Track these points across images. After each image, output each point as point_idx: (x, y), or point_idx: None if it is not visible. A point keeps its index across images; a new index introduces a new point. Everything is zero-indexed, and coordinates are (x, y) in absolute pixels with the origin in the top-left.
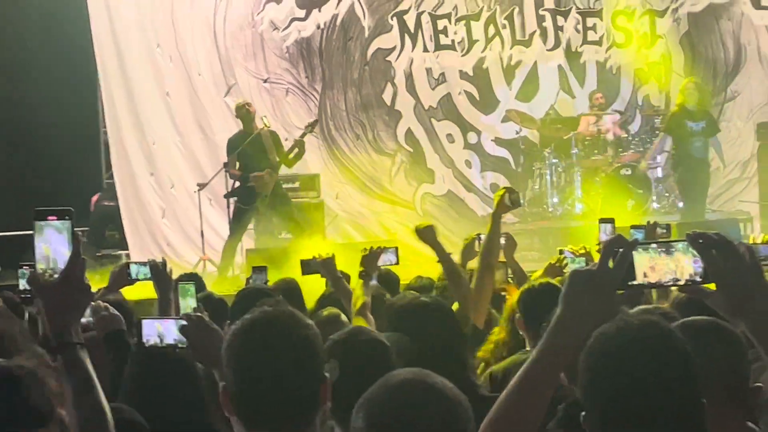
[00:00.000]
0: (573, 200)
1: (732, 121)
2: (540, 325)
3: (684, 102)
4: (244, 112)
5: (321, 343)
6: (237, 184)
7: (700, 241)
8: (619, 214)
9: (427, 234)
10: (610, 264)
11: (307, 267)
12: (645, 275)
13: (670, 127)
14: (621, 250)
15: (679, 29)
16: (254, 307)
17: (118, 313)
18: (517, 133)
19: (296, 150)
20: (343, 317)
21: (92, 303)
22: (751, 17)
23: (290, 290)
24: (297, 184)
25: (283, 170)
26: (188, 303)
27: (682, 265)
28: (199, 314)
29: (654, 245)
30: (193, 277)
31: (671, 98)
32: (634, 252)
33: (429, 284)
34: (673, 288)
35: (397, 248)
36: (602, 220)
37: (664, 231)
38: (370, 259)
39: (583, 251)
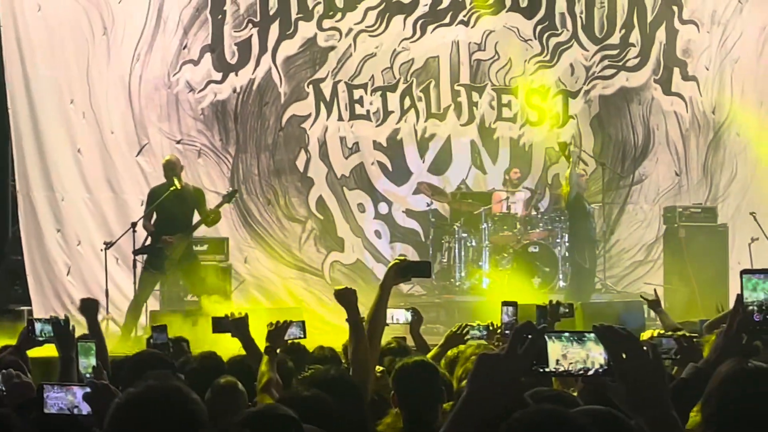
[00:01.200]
0: (480, 275)
1: (639, 204)
2: (412, 402)
3: (570, 188)
4: (171, 167)
5: (206, 418)
6: (149, 239)
7: (606, 334)
8: (525, 291)
9: (345, 296)
10: (520, 349)
11: (219, 325)
12: (558, 362)
13: (569, 206)
14: (529, 336)
15: (591, 111)
16: (140, 380)
17: (29, 380)
18: (428, 205)
19: (212, 216)
20: (240, 386)
21: (3, 371)
22: (661, 102)
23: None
24: (205, 247)
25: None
26: (90, 361)
27: (593, 355)
28: (104, 382)
29: (566, 333)
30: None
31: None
32: (547, 338)
33: (331, 355)
34: None
35: (303, 322)
36: (505, 303)
37: (566, 311)
38: (276, 333)
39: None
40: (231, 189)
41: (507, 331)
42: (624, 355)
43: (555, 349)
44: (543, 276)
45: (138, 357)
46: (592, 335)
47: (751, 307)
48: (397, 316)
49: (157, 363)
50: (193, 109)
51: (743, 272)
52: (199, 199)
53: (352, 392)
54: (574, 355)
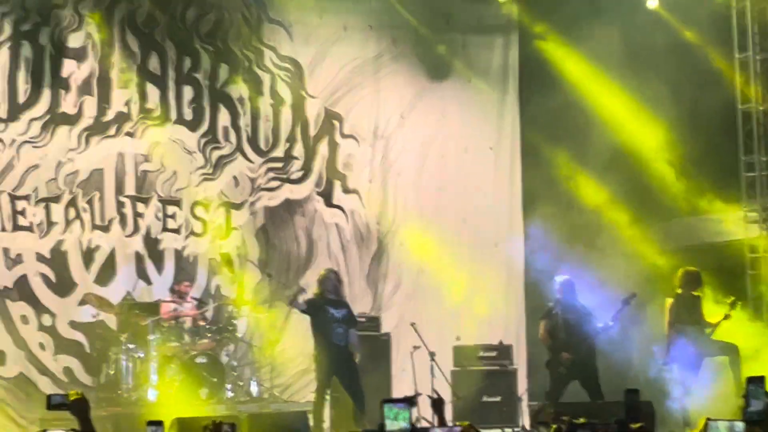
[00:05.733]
0: (147, 386)
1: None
2: None
3: (321, 291)
4: None
5: None
6: None
7: None
8: (192, 402)
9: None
10: None
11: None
12: None
13: (309, 309)
14: None
15: (256, 222)
16: None
17: None
18: (94, 317)
19: None
20: None
21: None
22: (323, 214)
23: None
24: None
25: None
26: None
27: None
28: None
29: None
30: None
31: (243, 288)
32: None
33: None
34: None
35: None
36: (150, 423)
37: (229, 431)
38: None
39: None
40: None
41: None
42: None
43: None
44: (211, 386)
45: None
46: None
47: None
48: None
49: None
50: None
51: (384, 401)
52: None
53: None
54: None
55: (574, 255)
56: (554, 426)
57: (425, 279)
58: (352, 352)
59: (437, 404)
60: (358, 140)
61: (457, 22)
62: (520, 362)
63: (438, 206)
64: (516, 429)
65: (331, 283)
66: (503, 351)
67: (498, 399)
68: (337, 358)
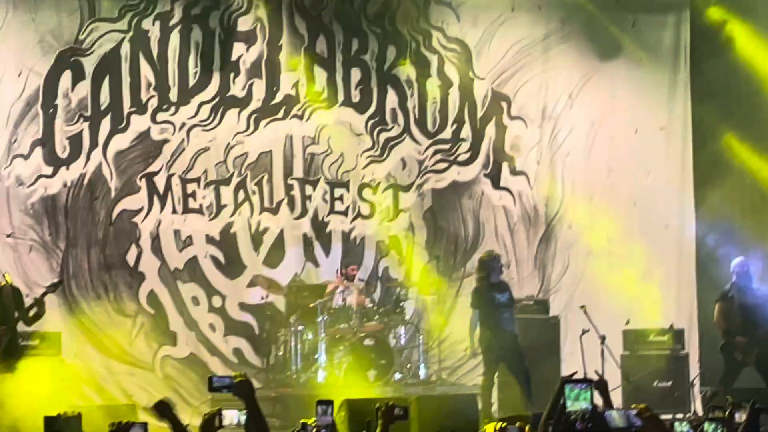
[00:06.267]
0: (316, 368)
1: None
2: None
3: (486, 275)
4: None
5: None
6: None
7: None
8: (360, 385)
9: (161, 409)
10: None
11: (50, 426)
12: None
13: (476, 301)
14: None
15: (423, 204)
16: None
17: None
18: (263, 299)
19: (35, 309)
20: None
21: None
22: (491, 197)
23: None
24: (36, 342)
25: (22, 327)
26: None
27: None
28: None
29: None
30: None
31: (411, 270)
32: None
33: None
34: None
35: (146, 424)
36: (320, 402)
37: (401, 413)
38: None
39: None
40: (55, 280)
41: (323, 430)
42: None
43: None
44: (379, 369)
45: None
46: None
47: (573, 416)
48: (231, 417)
49: None
50: (23, 203)
51: (565, 382)
52: (17, 298)
53: None
54: None
55: (747, 236)
56: (728, 411)
57: (594, 261)
58: (517, 335)
59: (601, 386)
60: (525, 121)
61: (628, 0)
62: (692, 346)
63: (607, 188)
64: (688, 414)
65: (494, 266)
66: (675, 335)
67: (669, 384)
68: (505, 343)
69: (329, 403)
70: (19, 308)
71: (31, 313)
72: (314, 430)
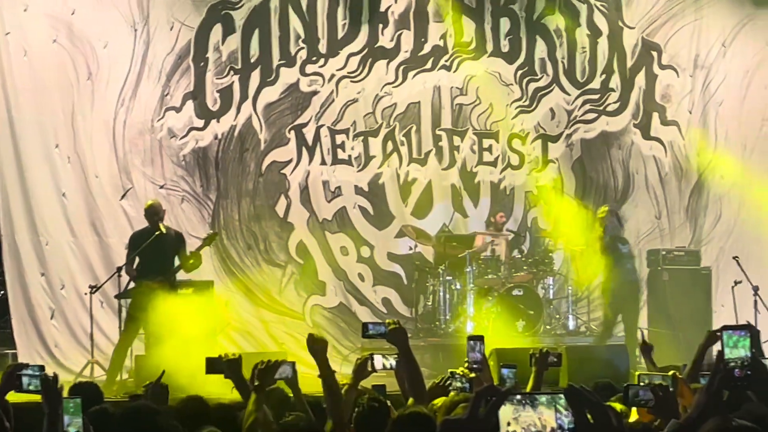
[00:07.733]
0: (465, 318)
1: None
2: None
3: (611, 225)
4: (154, 212)
5: None
6: (131, 284)
7: (576, 398)
8: (509, 335)
9: (317, 346)
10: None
11: (212, 366)
12: (509, 424)
13: (604, 251)
14: (493, 399)
15: (572, 154)
16: None
17: (9, 428)
18: (411, 249)
19: (192, 261)
20: None
21: None
22: (641, 147)
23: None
24: (190, 291)
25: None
26: (74, 420)
27: (545, 418)
28: None
29: (518, 396)
30: (86, 388)
31: (560, 221)
32: None
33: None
34: None
35: (294, 363)
36: (471, 338)
37: (555, 360)
38: (266, 371)
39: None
40: (211, 232)
41: (474, 366)
42: (590, 419)
43: (506, 412)
44: (527, 319)
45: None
46: (544, 398)
47: (732, 364)
48: (382, 362)
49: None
50: (175, 155)
51: (723, 329)
52: (180, 244)
53: None
54: (526, 418)
55: None
56: None
57: (746, 212)
58: (639, 285)
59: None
60: (677, 71)
61: None
62: None
63: (760, 138)
64: None
65: (616, 219)
66: None
67: None
68: (629, 294)
69: (480, 338)
70: (182, 254)
71: (190, 262)
72: (465, 365)
